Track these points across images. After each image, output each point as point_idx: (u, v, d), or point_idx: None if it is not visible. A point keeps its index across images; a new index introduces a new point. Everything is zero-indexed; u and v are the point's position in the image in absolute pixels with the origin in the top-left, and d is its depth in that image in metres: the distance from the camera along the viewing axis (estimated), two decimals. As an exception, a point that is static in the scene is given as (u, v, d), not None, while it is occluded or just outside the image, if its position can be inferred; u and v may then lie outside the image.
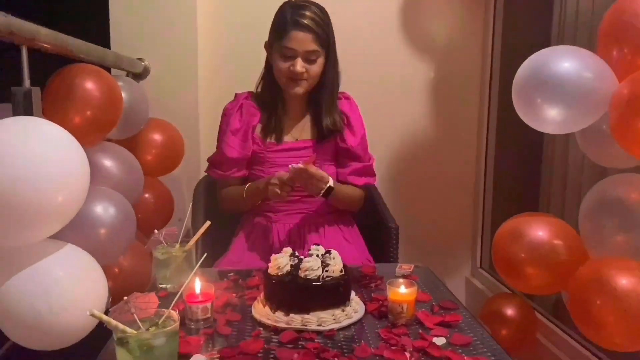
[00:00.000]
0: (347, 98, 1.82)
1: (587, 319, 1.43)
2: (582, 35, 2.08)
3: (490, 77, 2.53)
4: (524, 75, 1.50)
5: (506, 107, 2.38)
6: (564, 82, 1.40)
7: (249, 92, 1.80)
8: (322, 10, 1.66)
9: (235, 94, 1.80)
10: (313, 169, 1.57)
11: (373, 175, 1.83)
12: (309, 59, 1.63)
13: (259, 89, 1.78)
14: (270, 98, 1.73)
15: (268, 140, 1.73)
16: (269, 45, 1.71)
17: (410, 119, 2.54)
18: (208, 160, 1.80)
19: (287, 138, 1.75)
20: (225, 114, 1.77)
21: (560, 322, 2.02)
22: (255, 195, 1.68)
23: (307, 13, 1.61)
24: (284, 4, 1.68)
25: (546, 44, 2.20)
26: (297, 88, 1.67)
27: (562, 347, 1.93)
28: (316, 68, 1.65)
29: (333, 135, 1.74)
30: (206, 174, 1.83)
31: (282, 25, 1.63)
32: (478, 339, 1.12)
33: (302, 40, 1.60)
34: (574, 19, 2.13)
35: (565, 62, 1.42)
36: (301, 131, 1.76)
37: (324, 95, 1.72)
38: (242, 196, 1.70)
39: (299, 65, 1.62)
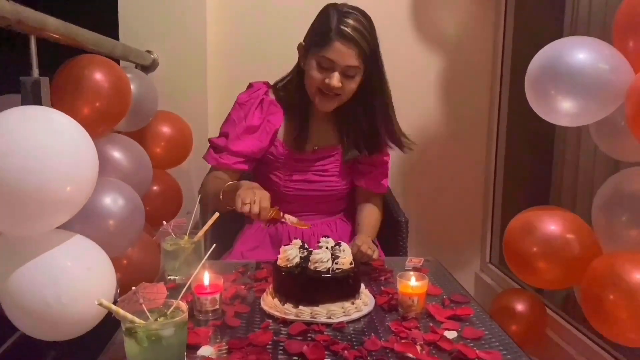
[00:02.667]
0: None
1: (600, 314, 1.41)
2: (595, 27, 2.05)
3: (501, 70, 2.50)
4: (538, 66, 1.48)
5: (517, 100, 2.37)
6: (579, 73, 1.38)
7: (267, 85, 1.67)
8: (369, 19, 1.52)
9: (251, 84, 1.69)
10: (368, 250, 1.45)
11: (387, 176, 1.76)
12: (347, 74, 1.50)
13: (285, 88, 1.65)
14: (299, 103, 1.61)
15: (292, 147, 1.63)
16: (304, 49, 1.56)
17: (420, 113, 2.52)
18: (210, 143, 1.67)
19: (309, 145, 1.66)
20: (240, 104, 1.64)
21: (570, 317, 2.00)
22: (230, 198, 1.40)
23: (355, 24, 1.47)
24: (329, 6, 1.53)
25: (558, 36, 2.18)
26: (327, 105, 1.55)
27: (572, 342, 1.91)
28: (352, 85, 1.53)
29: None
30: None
31: (324, 33, 1.48)
32: (490, 333, 1.11)
33: (345, 53, 1.47)
34: (587, 11, 2.11)
35: (581, 53, 1.39)
36: (324, 137, 1.67)
37: (379, 116, 1.60)
38: (218, 194, 1.49)
39: (336, 79, 1.49)
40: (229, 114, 1.66)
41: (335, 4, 1.54)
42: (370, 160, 1.69)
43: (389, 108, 1.62)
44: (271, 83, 1.69)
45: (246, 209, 1.31)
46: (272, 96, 1.64)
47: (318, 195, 1.68)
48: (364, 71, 1.53)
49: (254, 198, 1.32)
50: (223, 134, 1.64)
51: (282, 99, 1.63)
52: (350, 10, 1.50)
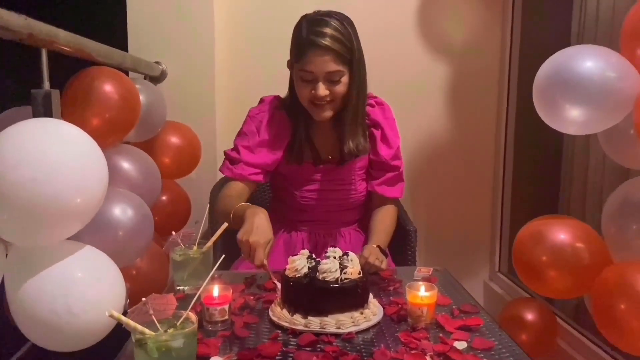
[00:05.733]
0: (380, 104, 1.70)
1: (611, 323, 1.40)
2: (602, 34, 2.05)
3: (508, 77, 2.50)
4: (546, 75, 1.47)
5: (525, 108, 2.36)
6: (587, 81, 1.38)
7: (277, 99, 1.68)
8: (344, 21, 1.50)
9: (262, 98, 1.70)
10: (376, 262, 1.42)
11: (402, 180, 1.74)
12: (331, 80, 1.49)
13: (287, 104, 1.65)
14: (298, 117, 1.62)
15: (302, 160, 1.63)
16: (290, 65, 1.58)
17: (427, 121, 2.52)
18: (225, 155, 1.67)
19: (321, 156, 1.66)
20: (252, 118, 1.65)
21: (581, 326, 1.98)
22: (237, 222, 1.43)
23: (325, 30, 1.46)
24: (302, 18, 1.54)
25: (566, 44, 2.18)
26: (323, 114, 1.55)
27: (583, 352, 1.90)
28: (341, 88, 1.52)
29: (356, 157, 1.65)
30: (223, 175, 1.81)
31: (299, 46, 1.50)
32: (500, 343, 1.10)
33: (321, 62, 1.46)
34: (594, 18, 2.10)
35: (588, 61, 1.39)
36: (332, 148, 1.66)
37: (347, 115, 1.58)
38: (229, 213, 1.48)
39: (321, 89, 1.49)
40: (242, 128, 1.66)
41: (307, 15, 1.54)
42: (382, 164, 1.69)
43: (350, 107, 1.58)
44: (280, 93, 1.70)
45: (246, 258, 1.35)
46: (282, 110, 1.65)
47: (332, 205, 1.68)
48: (349, 72, 1.52)
49: (248, 251, 1.32)
50: (237, 147, 1.64)
51: (290, 114, 1.64)
52: (321, 17, 1.49)
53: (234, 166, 1.63)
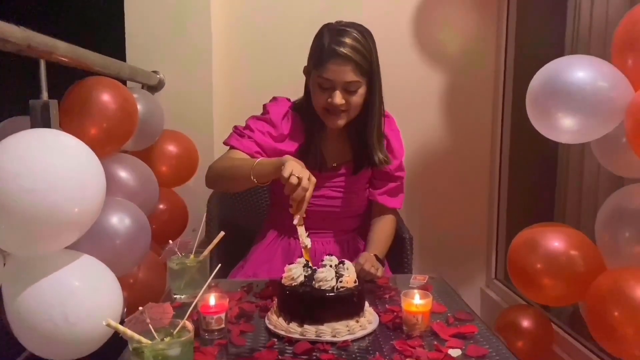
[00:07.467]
0: (387, 116, 1.71)
1: (605, 330, 1.41)
2: (595, 44, 2.07)
3: (503, 86, 2.52)
4: (539, 85, 1.49)
5: (520, 116, 2.37)
6: (579, 91, 1.39)
7: (289, 101, 1.70)
8: (365, 34, 1.52)
9: (275, 97, 1.70)
10: (371, 269, 1.46)
11: (403, 191, 1.76)
12: (348, 89, 1.51)
13: (299, 109, 1.67)
14: (310, 124, 1.63)
15: (308, 165, 1.58)
16: (307, 72, 1.60)
17: (423, 129, 2.54)
18: (234, 129, 1.64)
19: (327, 162, 1.66)
20: (271, 112, 1.64)
21: (577, 333, 1.99)
22: (264, 175, 1.38)
23: (347, 40, 1.47)
24: (323, 27, 1.55)
25: (560, 53, 2.20)
26: (337, 122, 1.56)
27: (579, 359, 1.90)
28: (357, 99, 1.53)
29: (381, 167, 1.66)
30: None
31: (319, 54, 1.51)
32: (494, 350, 1.11)
33: (341, 71, 1.48)
34: (587, 28, 2.13)
35: (580, 71, 1.41)
36: (340, 154, 1.68)
37: (370, 127, 1.60)
38: (249, 167, 1.40)
39: (338, 97, 1.50)
40: (259, 115, 1.66)
41: (329, 24, 1.56)
42: (386, 175, 1.70)
43: (374, 120, 1.61)
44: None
45: (294, 180, 1.26)
46: (295, 112, 1.66)
47: (334, 212, 1.69)
48: (367, 83, 1.54)
49: (307, 175, 1.28)
50: (249, 126, 1.63)
51: (303, 118, 1.65)
52: (343, 28, 1.51)
53: (242, 139, 1.61)
